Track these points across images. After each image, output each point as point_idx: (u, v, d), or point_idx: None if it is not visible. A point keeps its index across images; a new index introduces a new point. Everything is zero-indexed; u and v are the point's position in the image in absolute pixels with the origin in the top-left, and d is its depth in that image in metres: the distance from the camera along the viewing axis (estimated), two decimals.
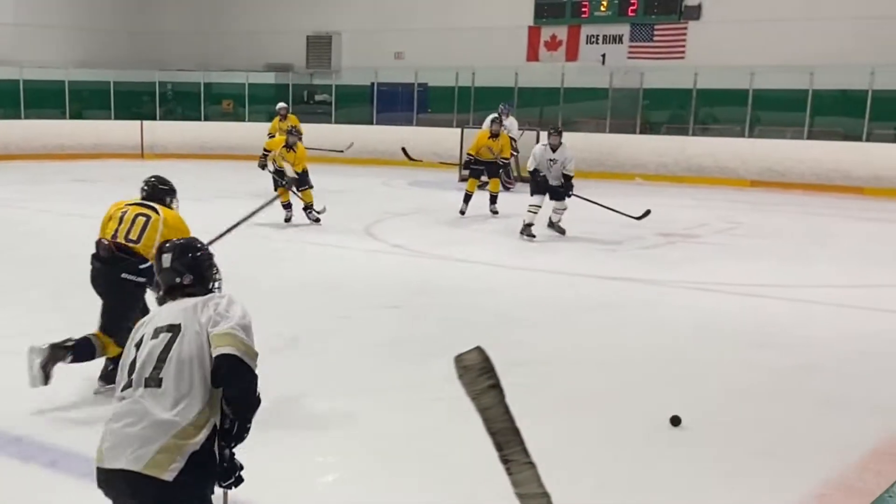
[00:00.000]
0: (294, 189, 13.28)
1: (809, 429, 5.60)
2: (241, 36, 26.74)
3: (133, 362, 3.19)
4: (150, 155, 23.63)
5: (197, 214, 13.36)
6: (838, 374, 6.61)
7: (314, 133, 18.92)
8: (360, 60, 24.98)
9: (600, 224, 13.55)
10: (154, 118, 24.80)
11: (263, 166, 13.96)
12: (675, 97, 20.87)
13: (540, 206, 12.40)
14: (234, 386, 3.16)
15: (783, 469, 4.99)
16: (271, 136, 16.60)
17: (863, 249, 11.90)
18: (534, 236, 12.34)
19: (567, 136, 18.59)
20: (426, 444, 5.26)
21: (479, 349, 2.64)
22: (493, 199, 14.71)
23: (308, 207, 13.45)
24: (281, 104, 18.29)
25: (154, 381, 3.11)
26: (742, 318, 8.25)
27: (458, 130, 20.27)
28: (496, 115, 16.34)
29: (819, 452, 5.19)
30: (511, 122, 17.72)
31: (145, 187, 6.36)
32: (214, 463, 3.12)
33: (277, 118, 17.69)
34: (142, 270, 5.82)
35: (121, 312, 5.78)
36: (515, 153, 17.27)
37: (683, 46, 21.22)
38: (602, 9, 22.09)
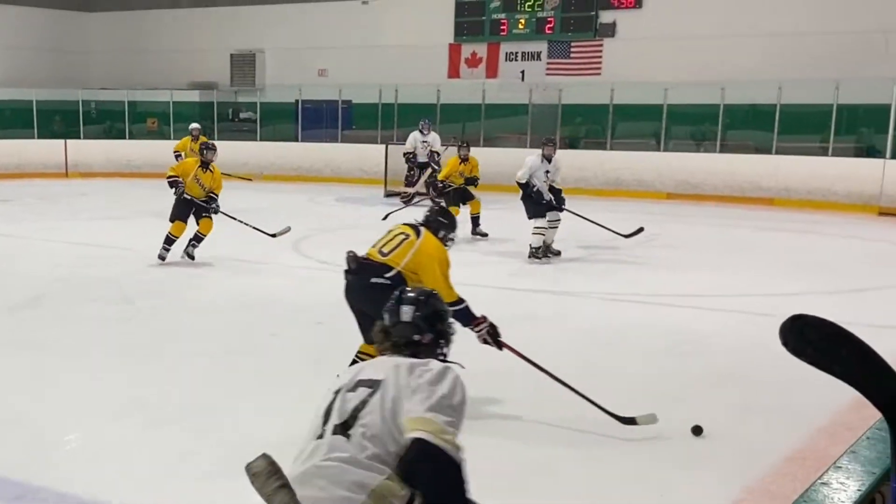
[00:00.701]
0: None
1: (726, 436, 5.65)
2: (165, 54, 26.43)
3: (327, 411, 2.86)
4: (74, 174, 23.20)
5: (121, 232, 13.24)
6: (753, 381, 6.70)
7: (241, 150, 18.80)
8: (285, 78, 24.86)
9: (519, 235, 13.64)
10: (78, 137, 24.34)
11: (180, 194, 11.86)
12: (592, 112, 21.10)
13: (546, 228, 12.00)
14: (424, 482, 2.59)
15: (702, 477, 5.03)
16: (178, 154, 16.11)
17: (775, 259, 12.11)
18: (558, 253, 12.08)
19: (489, 152, 19.09)
20: None
21: (264, 455, 2.62)
22: (476, 221, 14.17)
23: (196, 239, 11.78)
24: (194, 125, 17.64)
25: (344, 430, 2.74)
26: (658, 327, 8.31)
27: (383, 146, 20.28)
28: (419, 130, 16.44)
29: (737, 459, 5.25)
30: (433, 138, 17.78)
31: (428, 212, 6.48)
32: None
33: (189, 138, 16.97)
34: (389, 276, 5.84)
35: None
36: (437, 167, 17.35)
37: (600, 63, 21.47)
38: (520, 27, 22.27)
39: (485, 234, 14.06)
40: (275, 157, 22.62)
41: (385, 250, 6.06)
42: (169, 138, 24.48)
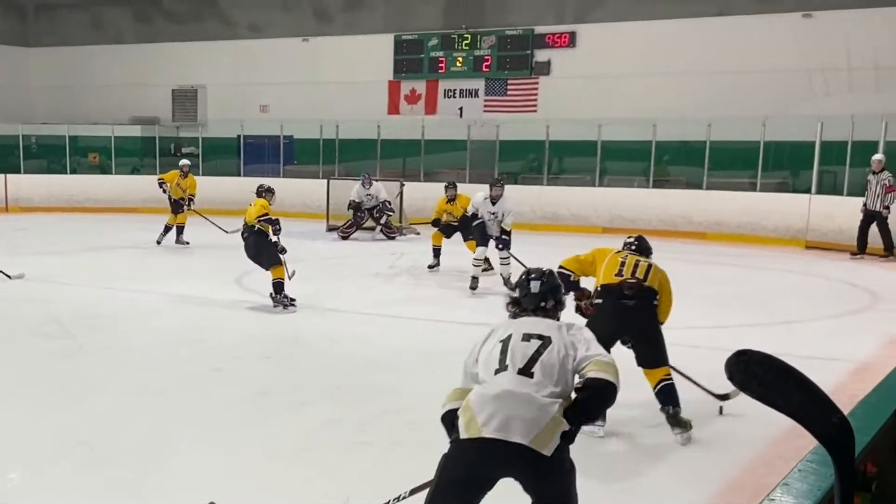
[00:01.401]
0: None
1: (664, 465, 5.68)
2: (106, 89, 26.12)
3: (503, 352, 3.80)
4: (14, 208, 22.78)
5: (62, 267, 13.00)
6: (690, 413, 6.72)
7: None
8: (227, 113, 24.72)
9: (465, 272, 13.66)
10: (19, 171, 23.92)
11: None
12: (529, 148, 21.24)
13: (484, 259, 12.14)
14: (603, 398, 3.71)
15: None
16: (161, 182, 16.74)
17: (708, 292, 12.22)
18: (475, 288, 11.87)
19: (428, 186, 19.10)
20: (302, 493, 5.14)
21: None
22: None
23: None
24: (185, 161, 17.60)
25: (527, 373, 3.65)
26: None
27: (325, 181, 20.20)
28: (361, 184, 16.88)
29: (675, 488, 5.27)
30: (376, 189, 17.95)
31: (634, 242, 7.07)
32: (570, 444, 3.58)
33: (178, 172, 16.87)
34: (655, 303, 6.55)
35: (659, 343, 6.52)
36: (391, 213, 17.98)
37: (536, 100, 21.68)
38: (458, 65, 22.42)
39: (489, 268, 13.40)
40: (217, 192, 22.43)
41: (640, 275, 6.55)
42: (110, 173, 24.26)
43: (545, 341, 3.79)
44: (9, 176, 23.32)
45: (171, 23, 25.96)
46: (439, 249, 13.96)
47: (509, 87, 22.08)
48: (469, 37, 22.29)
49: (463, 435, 3.56)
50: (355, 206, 17.90)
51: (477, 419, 3.53)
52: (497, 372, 3.72)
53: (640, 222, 18.55)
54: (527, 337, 3.83)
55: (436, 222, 14.16)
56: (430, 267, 13.86)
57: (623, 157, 20.15)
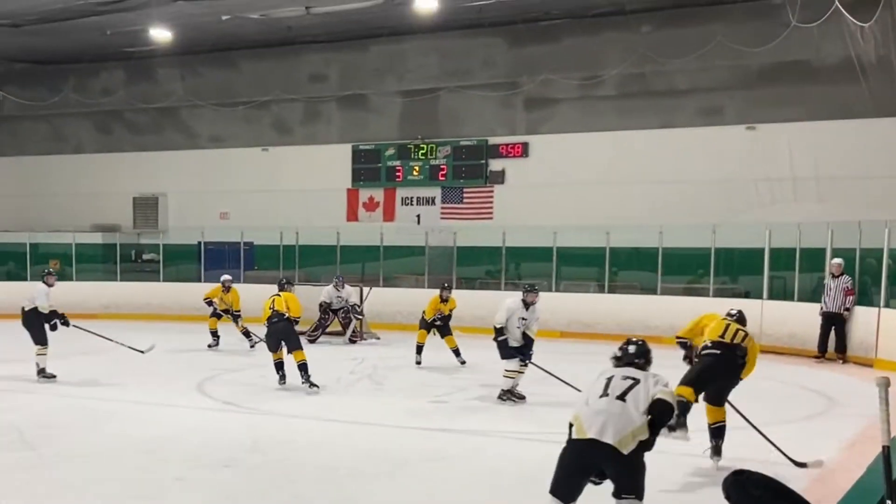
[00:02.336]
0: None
1: None
2: (67, 197, 26.02)
3: (606, 386, 5.63)
4: None
5: (21, 375, 12.66)
6: None
7: (144, 291, 18.39)
8: (187, 220, 24.68)
9: (426, 376, 13.57)
10: None
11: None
12: (486, 254, 21.31)
13: (517, 371, 11.67)
14: (662, 412, 5.53)
15: None
16: (209, 301, 17.16)
17: None
18: (522, 397, 11.64)
19: (388, 292, 19.09)
20: None
21: None
22: (457, 353, 14.89)
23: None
24: (226, 276, 17.68)
25: (621, 399, 5.50)
26: None
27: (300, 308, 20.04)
28: (333, 286, 17.72)
29: None
30: (348, 291, 18.06)
31: (736, 314, 8.78)
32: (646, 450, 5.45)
33: (220, 287, 17.29)
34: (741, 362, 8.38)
35: (729, 390, 8.55)
36: (360, 316, 18.06)
37: (491, 208, 21.88)
38: (415, 174, 22.63)
39: (463, 362, 14.83)
40: (177, 297, 22.17)
41: (728, 335, 8.44)
42: (71, 279, 23.88)
43: (636, 382, 5.66)
44: None
45: (131, 133, 26.05)
46: (422, 347, 14.84)
47: (465, 195, 22.27)
48: (425, 147, 22.55)
49: (574, 436, 5.49)
50: (324, 308, 17.81)
51: (584, 426, 5.42)
52: (600, 396, 5.56)
53: (597, 326, 18.62)
54: (624, 378, 5.70)
55: (423, 322, 14.98)
56: (418, 363, 14.69)
57: (578, 263, 20.28)
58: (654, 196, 19.59)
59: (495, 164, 21.87)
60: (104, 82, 25.67)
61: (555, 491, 5.56)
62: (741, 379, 8.48)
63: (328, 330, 18.01)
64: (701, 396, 8.43)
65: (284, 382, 12.36)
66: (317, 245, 22.39)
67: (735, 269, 19.07)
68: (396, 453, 8.67)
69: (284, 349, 12.49)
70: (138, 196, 25.50)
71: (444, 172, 22.38)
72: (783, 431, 10.06)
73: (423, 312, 15.09)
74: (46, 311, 13.20)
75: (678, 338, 9.25)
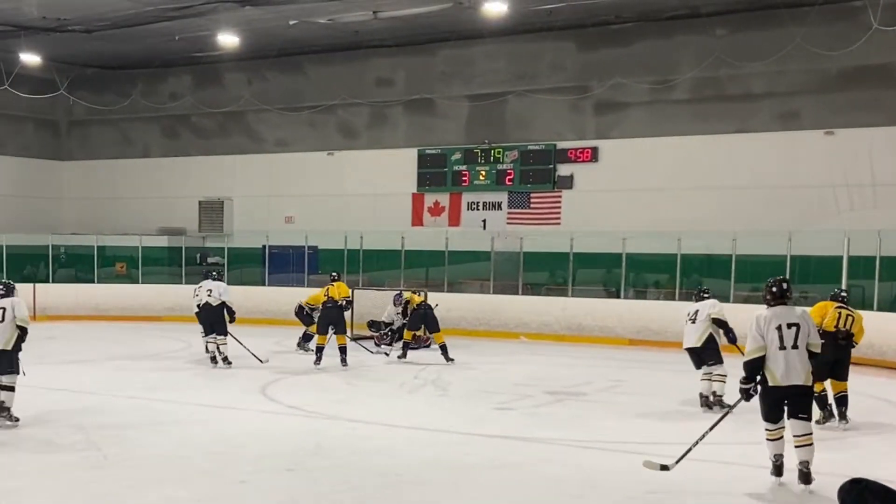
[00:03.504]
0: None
1: None
2: (135, 201, 26.61)
3: (781, 337, 7.59)
4: (42, 317, 22.79)
5: (89, 377, 12.89)
6: None
7: None
8: (252, 224, 25.00)
9: (490, 382, 13.51)
10: (47, 281, 24.08)
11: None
12: (553, 260, 21.20)
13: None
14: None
15: None
16: (313, 308, 16.82)
17: (741, 407, 11.92)
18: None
19: (453, 297, 19.09)
20: None
21: None
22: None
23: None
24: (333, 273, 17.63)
25: (794, 347, 7.55)
26: (628, 476, 8.10)
27: (349, 291, 20.15)
28: (393, 303, 17.87)
29: None
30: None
31: (843, 293, 11.47)
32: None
33: (324, 290, 16.65)
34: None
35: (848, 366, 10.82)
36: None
37: (559, 213, 21.75)
38: (481, 178, 22.60)
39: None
40: (242, 301, 22.41)
41: (845, 325, 10.68)
42: (137, 282, 24.35)
43: (799, 327, 7.65)
44: (38, 285, 23.45)
45: (198, 137, 26.48)
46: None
47: (532, 200, 22.18)
48: (492, 151, 22.51)
49: (771, 384, 7.69)
50: (389, 326, 17.90)
51: (776, 375, 7.61)
52: (780, 349, 7.60)
53: (666, 334, 18.34)
54: (789, 325, 7.65)
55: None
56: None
57: (648, 270, 20.08)
58: (728, 202, 19.34)
59: (563, 169, 21.74)
60: (172, 87, 26.17)
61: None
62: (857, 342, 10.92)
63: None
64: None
65: (319, 364, 14.66)
66: (381, 249, 22.48)
67: (811, 278, 18.69)
68: (460, 461, 8.64)
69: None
70: (204, 200, 25.87)
71: (511, 177, 22.31)
72: (871, 445, 9.86)
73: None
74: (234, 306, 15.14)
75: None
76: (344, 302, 15.16)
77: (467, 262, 22.05)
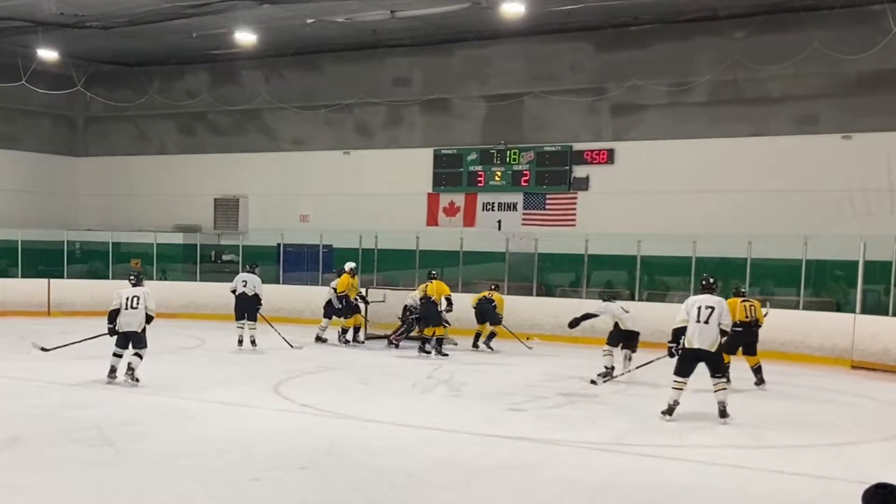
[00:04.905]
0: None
1: None
2: (150, 198, 26.75)
3: (699, 315, 10.74)
4: (56, 312, 22.97)
5: (102, 372, 12.96)
6: None
7: (223, 292, 18.79)
8: (267, 222, 25.08)
9: (503, 383, 13.53)
10: (62, 276, 24.21)
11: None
12: (568, 261, 21.20)
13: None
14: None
15: None
16: (344, 294, 18.21)
17: (752, 411, 11.95)
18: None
19: (467, 297, 19.10)
20: None
21: None
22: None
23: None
24: (351, 264, 18.75)
25: (706, 323, 10.69)
26: (640, 479, 8.11)
27: (363, 290, 20.16)
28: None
29: None
30: None
31: (742, 290, 13.96)
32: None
33: (348, 275, 18.24)
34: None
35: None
36: (446, 324, 17.66)
37: (574, 214, 21.73)
38: (496, 179, 22.60)
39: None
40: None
41: (751, 314, 13.64)
42: (152, 278, 24.40)
43: (713, 309, 10.67)
44: (52, 281, 23.59)
45: (214, 135, 26.58)
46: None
47: (548, 201, 22.17)
48: (507, 152, 22.51)
49: (686, 346, 10.70)
50: (409, 313, 17.88)
51: (692, 341, 10.69)
52: (696, 321, 10.65)
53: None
54: (707, 307, 10.70)
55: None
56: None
57: (662, 272, 20.04)
58: (744, 205, 19.29)
59: (579, 171, 21.72)
60: (188, 84, 26.28)
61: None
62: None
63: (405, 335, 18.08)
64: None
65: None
66: (396, 249, 22.51)
67: (827, 282, 18.64)
68: (472, 461, 8.66)
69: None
70: (219, 197, 25.96)
71: (526, 178, 22.30)
72: (877, 450, 9.85)
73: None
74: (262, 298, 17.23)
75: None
76: (443, 300, 16.78)
77: (482, 263, 22.04)
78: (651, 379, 14.37)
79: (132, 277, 13.65)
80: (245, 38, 21.15)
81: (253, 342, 16.80)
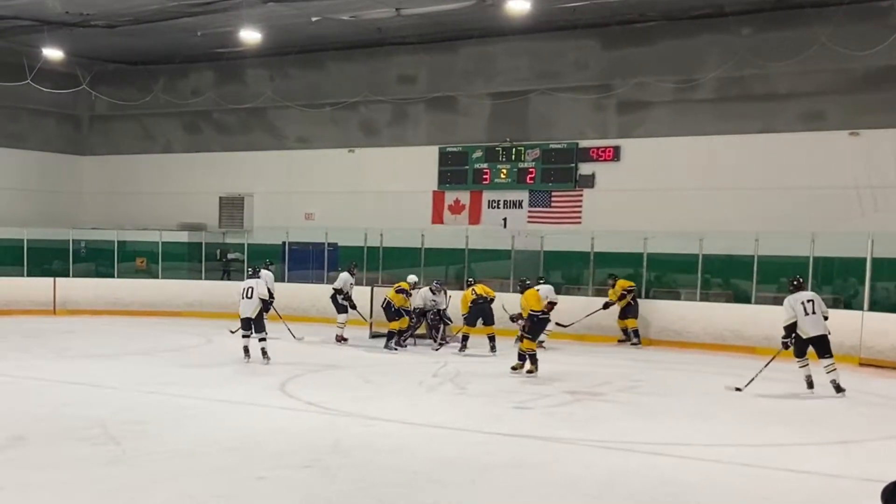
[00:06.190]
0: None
1: None
2: (155, 196, 26.76)
3: (804, 309, 12.65)
4: (62, 311, 23.02)
5: (107, 371, 13.00)
6: None
7: (228, 289, 18.81)
8: (272, 220, 25.09)
9: (509, 381, 13.52)
10: (68, 275, 24.24)
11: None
12: (574, 259, 21.17)
13: None
14: None
15: None
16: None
17: (759, 408, 11.94)
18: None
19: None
20: None
21: None
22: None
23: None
24: (412, 277, 18.38)
25: (812, 314, 12.74)
26: (645, 477, 8.09)
27: (368, 288, 20.16)
28: (430, 289, 18.16)
29: None
30: (442, 298, 18.22)
31: (541, 279, 14.32)
32: None
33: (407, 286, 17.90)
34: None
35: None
36: (449, 321, 18.28)
37: (580, 212, 21.69)
38: (502, 176, 22.56)
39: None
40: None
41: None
42: (157, 277, 24.46)
43: (813, 301, 12.66)
44: (58, 279, 23.64)
45: (219, 133, 26.59)
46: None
47: (553, 198, 22.13)
48: (513, 149, 22.48)
49: (802, 336, 12.51)
50: (417, 312, 17.88)
51: (808, 331, 12.52)
52: (804, 314, 12.54)
53: (687, 335, 18.39)
54: (807, 301, 12.61)
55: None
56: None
57: (669, 269, 19.99)
58: (751, 202, 19.24)
59: (585, 168, 21.68)
60: (193, 83, 26.31)
61: None
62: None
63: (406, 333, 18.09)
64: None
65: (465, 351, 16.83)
66: (401, 247, 22.50)
67: (834, 279, 18.59)
68: (477, 460, 8.64)
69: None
70: (224, 196, 25.98)
71: (532, 176, 22.27)
72: (884, 448, 9.82)
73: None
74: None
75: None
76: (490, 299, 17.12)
77: (487, 261, 22.02)
78: (657, 378, 14.39)
79: (250, 269, 16.77)
80: (250, 36, 21.13)
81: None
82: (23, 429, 9.48)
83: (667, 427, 10.55)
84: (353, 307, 18.84)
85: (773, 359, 13.23)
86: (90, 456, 8.41)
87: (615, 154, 21.33)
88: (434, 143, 23.50)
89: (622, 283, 18.66)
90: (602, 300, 19.09)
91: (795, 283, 13.26)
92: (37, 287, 23.36)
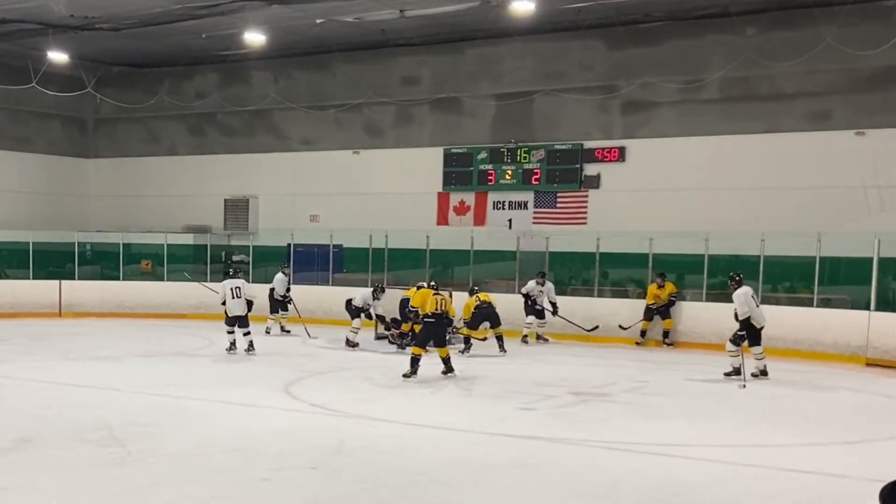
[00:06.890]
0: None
1: None
2: (160, 199, 26.79)
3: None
4: (67, 314, 23.07)
5: (112, 373, 13.03)
6: None
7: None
8: (277, 222, 25.11)
9: (514, 382, 13.51)
10: (73, 278, 24.29)
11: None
12: (579, 260, 21.17)
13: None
14: None
15: None
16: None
17: (764, 408, 11.93)
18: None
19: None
20: None
21: None
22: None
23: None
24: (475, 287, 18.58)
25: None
26: (650, 478, 8.08)
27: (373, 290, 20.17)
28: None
29: None
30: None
31: (433, 283, 14.58)
32: None
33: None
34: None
35: None
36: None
37: (585, 213, 21.66)
38: (507, 177, 22.54)
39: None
40: (266, 299, 22.51)
41: (442, 306, 13.68)
42: (163, 279, 24.51)
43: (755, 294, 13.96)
44: (63, 282, 23.70)
45: (224, 135, 26.63)
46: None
47: (558, 199, 22.11)
48: (518, 150, 22.47)
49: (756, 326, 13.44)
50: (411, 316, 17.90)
51: (760, 321, 13.86)
52: (756, 307, 13.78)
53: (693, 335, 18.37)
54: (752, 294, 13.89)
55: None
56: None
57: (675, 270, 19.96)
58: (757, 203, 19.21)
59: (590, 169, 21.66)
60: (198, 85, 26.35)
61: None
62: None
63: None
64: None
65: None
66: (406, 248, 22.52)
67: (841, 279, 18.54)
68: (482, 460, 8.65)
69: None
70: (229, 198, 25.99)
71: (537, 176, 22.25)
72: (891, 448, 9.81)
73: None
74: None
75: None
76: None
77: (493, 262, 22.02)
78: (662, 379, 14.38)
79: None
80: (254, 38, 21.16)
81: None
82: (29, 431, 9.51)
83: (672, 428, 10.54)
84: (287, 309, 19.90)
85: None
86: (96, 458, 8.43)
87: (620, 155, 21.30)
88: (439, 144, 23.49)
89: (671, 286, 18.79)
90: (610, 301, 19.08)
91: (738, 278, 14.56)
92: (42, 289, 23.41)
